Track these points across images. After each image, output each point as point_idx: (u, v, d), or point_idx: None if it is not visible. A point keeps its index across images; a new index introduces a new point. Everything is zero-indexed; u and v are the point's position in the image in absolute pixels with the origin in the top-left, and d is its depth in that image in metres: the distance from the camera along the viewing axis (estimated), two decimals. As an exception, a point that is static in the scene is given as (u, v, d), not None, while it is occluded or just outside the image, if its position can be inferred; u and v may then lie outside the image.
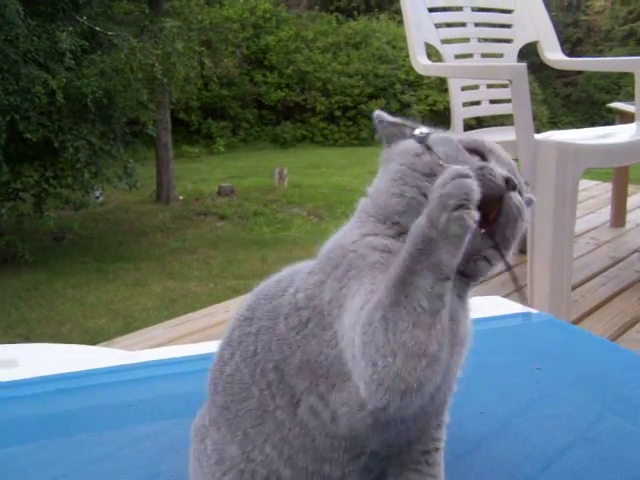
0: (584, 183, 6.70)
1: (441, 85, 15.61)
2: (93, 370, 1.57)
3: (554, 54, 4.19)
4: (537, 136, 3.36)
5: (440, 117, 15.69)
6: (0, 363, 1.61)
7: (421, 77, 15.92)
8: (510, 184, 0.74)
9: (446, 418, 0.89)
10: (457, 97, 4.05)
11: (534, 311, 1.94)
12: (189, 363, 1.55)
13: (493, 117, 4.82)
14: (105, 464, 1.26)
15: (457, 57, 4.11)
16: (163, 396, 1.48)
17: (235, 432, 0.79)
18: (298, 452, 0.76)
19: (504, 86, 3.99)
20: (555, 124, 16.05)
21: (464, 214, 0.63)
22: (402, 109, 16.36)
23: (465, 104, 4.10)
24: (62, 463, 1.27)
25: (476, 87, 4.20)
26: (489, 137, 3.09)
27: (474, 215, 0.64)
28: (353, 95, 16.34)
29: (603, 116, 14.60)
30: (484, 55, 4.26)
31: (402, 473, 0.84)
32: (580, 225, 4.94)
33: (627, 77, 16.41)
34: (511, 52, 4.21)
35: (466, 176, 0.66)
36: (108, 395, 1.50)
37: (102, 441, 1.35)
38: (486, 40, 4.33)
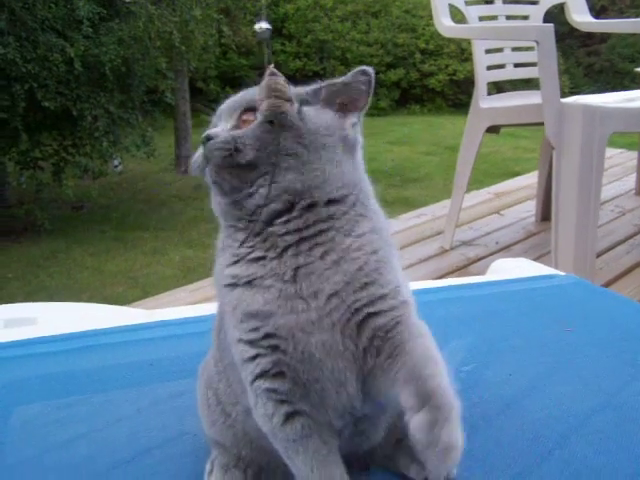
0: (609, 151, 6.57)
1: (461, 54, 15.40)
2: (113, 328, 1.55)
3: (582, 16, 4.08)
4: (563, 100, 3.29)
5: (460, 86, 15.51)
6: (20, 321, 1.60)
7: (441, 46, 15.72)
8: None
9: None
10: (481, 60, 3.96)
11: (561, 273, 1.90)
12: (206, 322, 1.52)
13: (512, 83, 4.74)
14: (129, 423, 1.24)
15: (481, 19, 4.02)
16: (184, 355, 1.46)
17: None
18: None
19: (529, 49, 3.91)
20: (577, 94, 15.80)
21: None
22: (422, 78, 16.17)
23: (489, 67, 4.02)
24: (85, 421, 1.26)
25: (500, 50, 4.11)
26: (514, 102, 3.02)
27: None
28: (372, 64, 15.97)
29: (626, 86, 14.33)
30: (509, 17, 4.16)
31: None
32: (605, 193, 4.86)
33: (652, 44, 16.12)
34: (537, 14, 4.11)
35: None
36: (129, 353, 1.49)
37: (125, 400, 1.33)
38: (511, 2, 4.23)
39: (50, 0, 7.46)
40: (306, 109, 0.86)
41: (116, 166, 9.81)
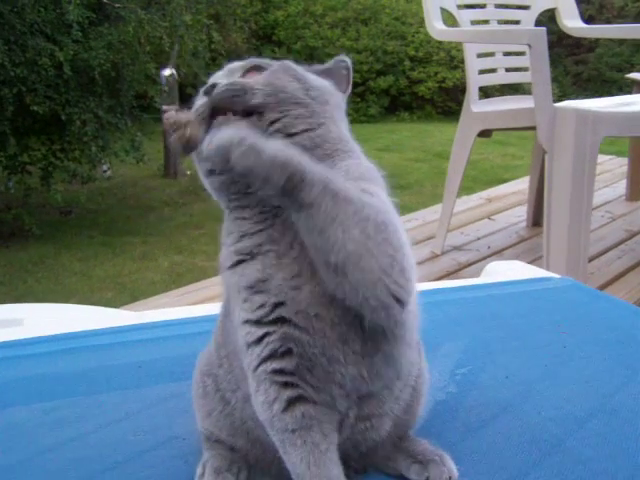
0: (599, 158, 6.63)
1: (450, 62, 15.44)
2: (101, 330, 1.52)
3: (572, 21, 4.10)
4: (555, 104, 3.29)
5: (449, 94, 15.55)
6: (6, 322, 1.57)
7: (430, 54, 15.75)
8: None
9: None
10: (472, 64, 3.96)
11: (557, 276, 1.89)
12: (197, 324, 1.50)
13: (500, 90, 4.75)
14: (117, 426, 1.22)
15: (473, 23, 4.02)
16: (173, 357, 1.44)
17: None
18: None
19: (521, 54, 3.92)
20: (566, 102, 15.85)
21: None
22: (411, 86, 16.21)
23: (481, 72, 4.02)
24: (73, 425, 1.23)
25: (492, 54, 4.12)
26: (506, 106, 3.02)
27: None
28: (362, 71, 16.10)
29: (614, 94, 14.38)
30: (500, 22, 4.18)
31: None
32: (595, 199, 4.87)
33: (640, 53, 16.23)
34: (528, 19, 4.12)
35: None
36: (118, 355, 1.46)
37: (113, 403, 1.31)
38: (503, 6, 4.24)
39: (39, 4, 7.42)
40: (308, 74, 0.93)
41: (105, 171, 9.76)
